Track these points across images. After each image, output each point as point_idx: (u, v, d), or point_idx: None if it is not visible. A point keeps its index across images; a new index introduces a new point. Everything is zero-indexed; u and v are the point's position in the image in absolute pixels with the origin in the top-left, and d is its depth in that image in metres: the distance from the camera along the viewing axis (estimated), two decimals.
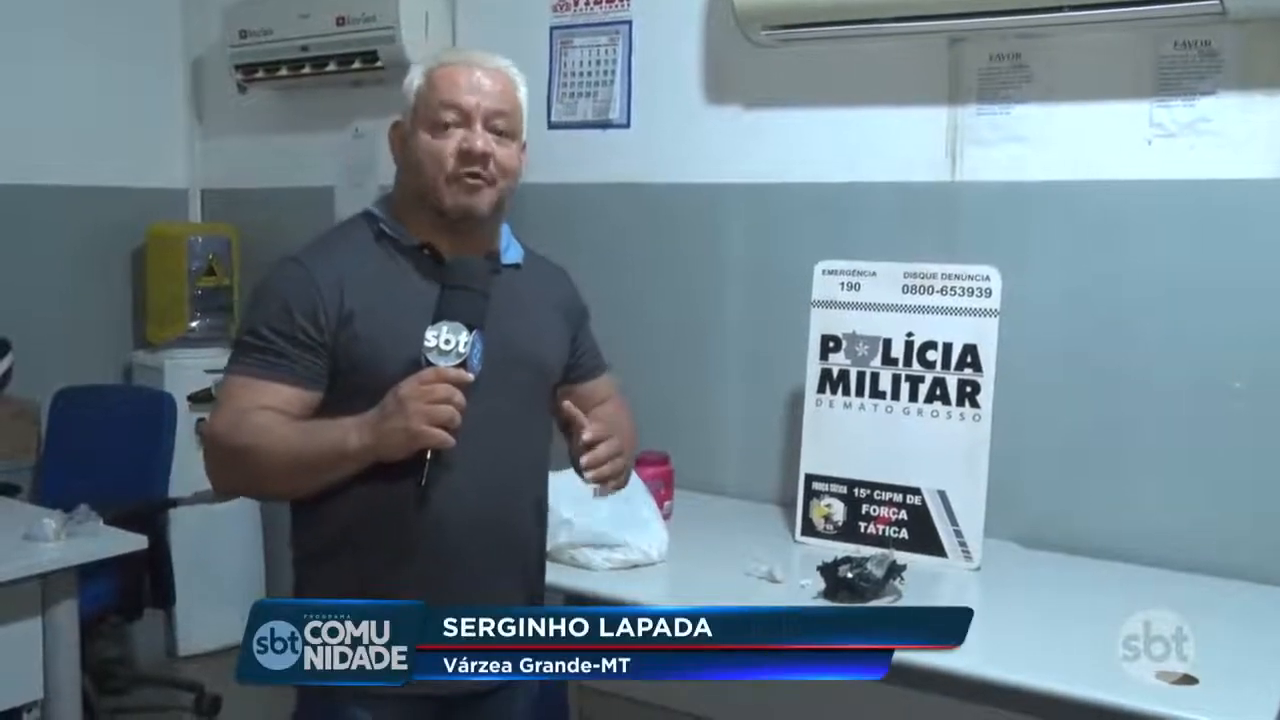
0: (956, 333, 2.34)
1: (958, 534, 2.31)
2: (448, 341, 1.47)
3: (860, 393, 2.43)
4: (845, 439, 2.44)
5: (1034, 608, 2.12)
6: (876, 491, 2.40)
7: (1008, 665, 1.83)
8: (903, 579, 2.10)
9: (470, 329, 1.50)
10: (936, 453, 2.34)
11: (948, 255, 2.43)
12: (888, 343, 2.41)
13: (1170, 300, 2.33)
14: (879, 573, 2.08)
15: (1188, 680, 1.72)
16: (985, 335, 2.31)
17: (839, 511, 2.44)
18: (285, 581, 3.66)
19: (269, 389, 1.56)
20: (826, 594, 2.08)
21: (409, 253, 1.62)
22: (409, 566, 1.57)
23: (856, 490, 2.42)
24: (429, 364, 1.48)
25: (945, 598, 2.19)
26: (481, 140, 1.58)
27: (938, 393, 2.35)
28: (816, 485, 2.47)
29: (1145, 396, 2.37)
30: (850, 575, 2.06)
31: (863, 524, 2.41)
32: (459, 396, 1.48)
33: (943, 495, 2.33)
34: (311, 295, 1.56)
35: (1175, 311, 2.33)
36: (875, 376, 2.42)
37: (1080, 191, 2.42)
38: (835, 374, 2.46)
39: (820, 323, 2.48)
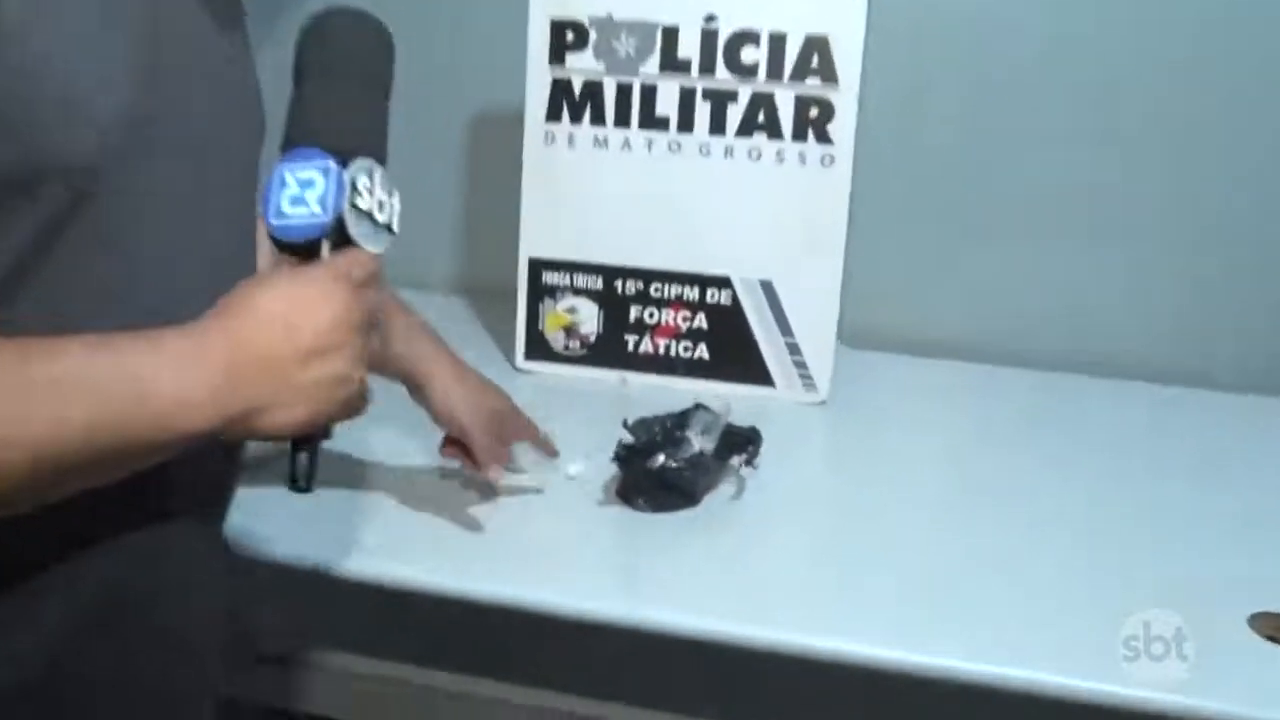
0: (793, 17, 1.39)
1: (792, 349, 1.45)
2: (381, 204, 0.68)
3: (623, 121, 1.44)
4: (597, 199, 1.47)
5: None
6: (655, 285, 1.48)
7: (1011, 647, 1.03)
8: (755, 450, 1.22)
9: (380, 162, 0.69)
10: (759, 220, 1.43)
11: None
12: (671, 34, 1.41)
13: None
14: (709, 447, 1.18)
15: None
16: (845, 20, 1.37)
17: (590, 319, 1.50)
18: None
19: None
20: (622, 494, 1.17)
21: None
22: None
23: (621, 283, 1.48)
24: (345, 242, 0.67)
25: (797, 476, 1.33)
26: None
27: (760, 120, 1.41)
28: (550, 277, 1.50)
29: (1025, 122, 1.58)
30: (672, 466, 1.14)
31: (632, 338, 1.49)
32: None
33: (767, 288, 1.44)
34: None
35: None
36: (649, 92, 1.43)
37: None
38: (577, 89, 1.44)
39: (547, 2, 1.44)
